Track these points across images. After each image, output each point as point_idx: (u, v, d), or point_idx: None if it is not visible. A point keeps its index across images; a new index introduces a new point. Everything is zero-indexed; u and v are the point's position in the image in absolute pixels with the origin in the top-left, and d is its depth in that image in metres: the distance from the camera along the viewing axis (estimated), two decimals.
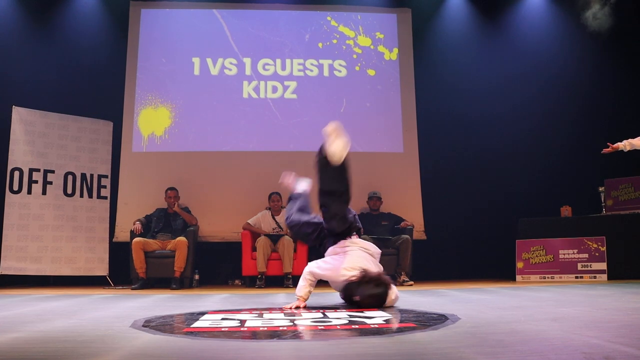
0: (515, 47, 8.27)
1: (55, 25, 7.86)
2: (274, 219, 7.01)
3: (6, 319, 3.00)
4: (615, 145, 5.29)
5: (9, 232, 6.68)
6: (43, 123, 7.06)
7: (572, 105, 7.98)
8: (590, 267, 6.42)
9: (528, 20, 8.35)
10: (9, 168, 6.76)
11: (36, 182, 6.90)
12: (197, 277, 6.79)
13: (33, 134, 6.97)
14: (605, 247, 6.39)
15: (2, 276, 6.54)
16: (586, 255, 6.48)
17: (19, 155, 6.84)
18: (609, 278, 6.26)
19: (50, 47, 7.78)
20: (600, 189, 7.00)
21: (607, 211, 6.93)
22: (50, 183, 6.98)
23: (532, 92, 8.08)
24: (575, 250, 6.55)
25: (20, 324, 2.72)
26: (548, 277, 6.59)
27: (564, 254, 6.60)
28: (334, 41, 8.20)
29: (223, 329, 2.46)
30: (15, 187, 6.77)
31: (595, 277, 6.35)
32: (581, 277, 6.43)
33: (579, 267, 6.48)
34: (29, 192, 6.84)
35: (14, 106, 6.90)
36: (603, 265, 6.35)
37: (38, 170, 6.93)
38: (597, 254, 6.42)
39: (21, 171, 6.82)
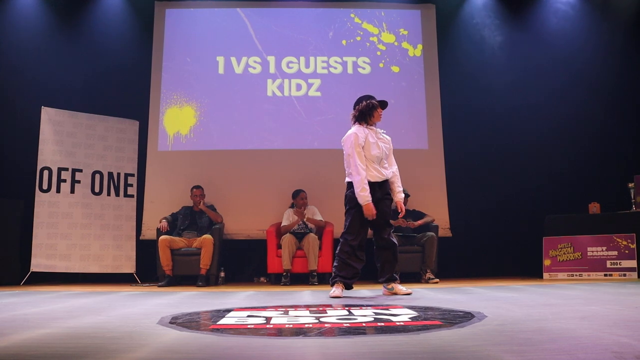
0: (541, 40, 8.15)
1: (82, 27, 7.97)
2: None
3: (37, 315, 3.06)
4: None
5: (39, 230, 6.81)
6: (71, 123, 7.18)
7: (599, 98, 7.84)
8: (620, 264, 6.31)
9: (553, 12, 8.22)
10: (39, 167, 6.89)
11: (65, 181, 7.02)
12: (222, 274, 6.84)
13: (61, 133, 7.09)
14: (635, 245, 6.27)
15: (32, 273, 6.68)
16: (615, 253, 6.37)
17: (48, 155, 6.97)
18: (639, 276, 6.14)
19: (77, 48, 7.89)
20: (630, 185, 6.87)
21: (637, 208, 6.79)
22: (79, 182, 7.09)
23: (559, 86, 7.96)
24: (604, 248, 6.45)
25: (51, 320, 2.77)
26: (576, 275, 6.49)
27: (592, 252, 6.50)
28: (358, 38, 8.18)
29: (249, 326, 2.47)
30: (45, 186, 6.90)
31: (625, 275, 6.24)
32: (610, 275, 6.32)
33: (608, 265, 6.38)
34: (58, 190, 6.97)
35: (42, 107, 7.04)
36: (633, 263, 6.24)
37: (66, 169, 7.05)
38: (627, 252, 6.31)
39: (50, 170, 6.95)
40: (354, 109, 4.60)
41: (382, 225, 4.52)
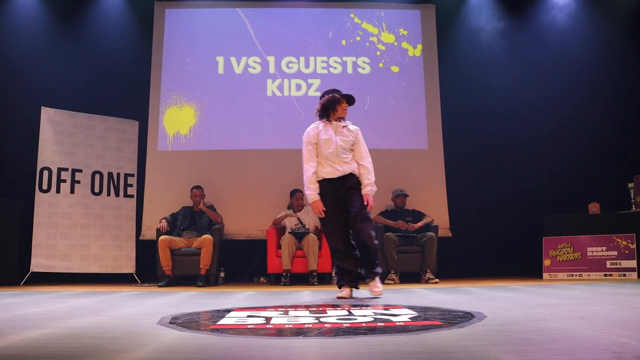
0: (540, 40, 8.16)
1: (82, 27, 7.98)
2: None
3: (36, 315, 3.05)
4: None
5: (39, 230, 6.81)
6: (71, 123, 7.18)
7: (599, 98, 7.85)
8: (620, 264, 6.31)
9: (553, 12, 8.23)
10: (38, 167, 6.90)
11: (64, 181, 7.02)
12: (222, 274, 6.84)
13: (61, 134, 7.09)
14: (635, 245, 6.27)
15: (32, 273, 6.68)
16: (615, 253, 6.37)
17: (48, 155, 6.97)
18: (639, 276, 6.14)
19: (77, 48, 7.90)
20: (629, 185, 6.87)
21: (636, 208, 6.80)
22: (78, 182, 7.09)
23: (559, 86, 7.97)
24: (604, 248, 6.45)
25: (50, 320, 2.77)
26: (576, 275, 6.49)
27: (592, 252, 6.50)
28: (358, 38, 8.18)
29: (249, 326, 2.47)
30: (45, 186, 6.90)
31: (624, 275, 6.24)
32: (610, 275, 6.32)
33: (608, 265, 6.38)
34: (58, 191, 6.96)
35: (42, 107, 7.04)
36: (633, 263, 6.24)
37: (66, 169, 7.05)
38: (626, 252, 6.31)
39: (50, 170, 6.95)
40: (319, 102, 4.45)
41: (354, 220, 4.23)
